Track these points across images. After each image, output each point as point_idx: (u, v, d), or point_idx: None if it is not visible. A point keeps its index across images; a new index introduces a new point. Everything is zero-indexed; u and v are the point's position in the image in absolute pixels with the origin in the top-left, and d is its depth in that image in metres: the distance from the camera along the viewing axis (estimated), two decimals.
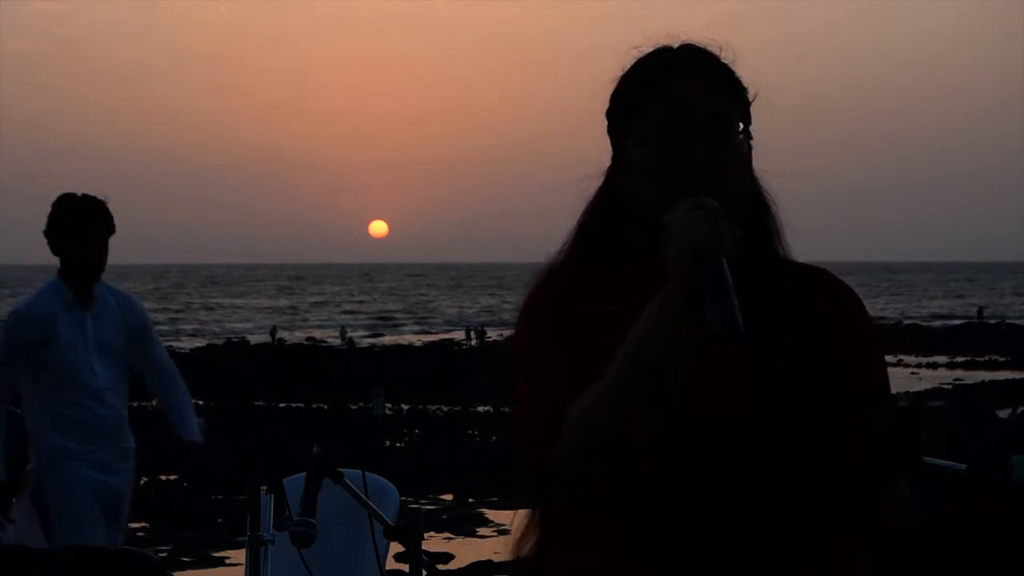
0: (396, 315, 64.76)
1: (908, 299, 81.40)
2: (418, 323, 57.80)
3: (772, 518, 2.22)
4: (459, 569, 10.29)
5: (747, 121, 2.34)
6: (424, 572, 4.42)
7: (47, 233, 5.92)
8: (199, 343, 39.92)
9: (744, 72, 2.36)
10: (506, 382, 2.34)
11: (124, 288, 6.32)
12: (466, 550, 11.02)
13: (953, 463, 4.66)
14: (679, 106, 2.28)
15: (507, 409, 2.32)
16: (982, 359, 32.20)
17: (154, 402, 6.30)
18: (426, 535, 5.89)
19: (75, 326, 5.84)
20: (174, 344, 37.45)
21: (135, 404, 6.74)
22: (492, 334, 36.92)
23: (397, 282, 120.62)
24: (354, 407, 21.59)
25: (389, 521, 4.41)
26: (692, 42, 2.36)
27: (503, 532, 11.41)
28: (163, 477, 14.12)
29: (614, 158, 2.38)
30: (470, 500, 13.31)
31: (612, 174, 2.38)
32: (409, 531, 4.36)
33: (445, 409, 21.64)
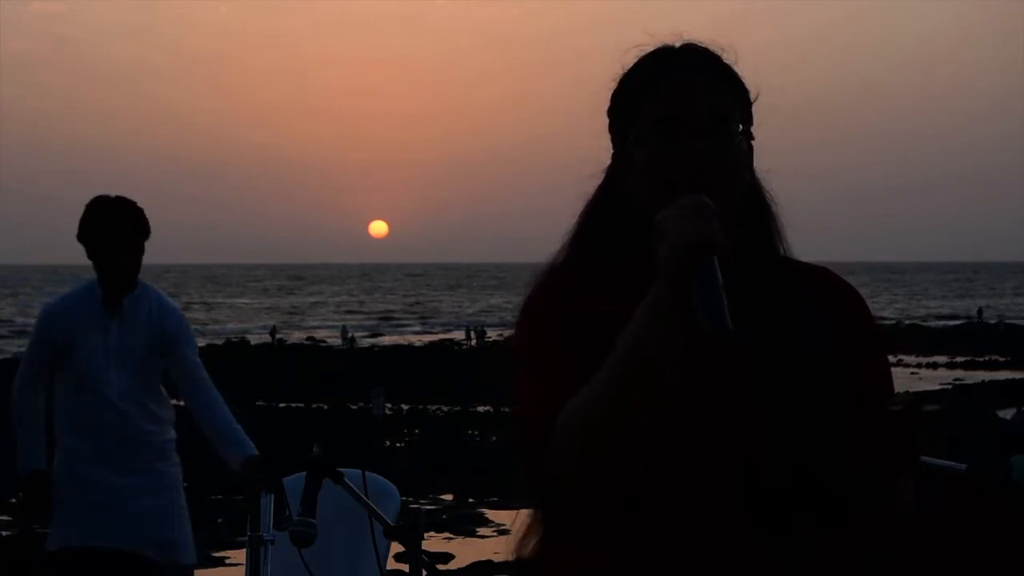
0: (396, 315, 64.77)
1: (908, 299, 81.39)
2: (418, 323, 57.82)
3: (772, 518, 2.21)
4: (459, 569, 10.29)
5: (748, 121, 2.34)
6: (424, 572, 4.42)
7: (79, 237, 5.74)
8: (199, 343, 39.83)
9: (744, 72, 2.36)
10: (506, 382, 2.34)
11: None
12: (466, 550, 11.03)
13: (953, 463, 4.65)
14: (680, 105, 2.28)
15: (507, 409, 2.32)
16: (982, 359, 32.22)
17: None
18: (426, 535, 5.88)
19: (98, 331, 5.68)
20: None
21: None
22: (492, 334, 36.92)
23: (397, 282, 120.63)
24: (354, 407, 21.60)
25: (390, 521, 4.42)
26: (694, 41, 2.36)
27: (503, 532, 11.41)
28: None
29: (614, 157, 2.37)
30: (470, 500, 13.31)
31: (612, 173, 2.38)
32: (409, 531, 4.36)
33: (445, 409, 21.65)
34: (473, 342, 36.93)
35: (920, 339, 37.66)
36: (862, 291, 2.42)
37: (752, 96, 2.35)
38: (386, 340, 43.18)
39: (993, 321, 47.47)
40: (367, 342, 40.60)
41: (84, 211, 5.76)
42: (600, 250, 2.37)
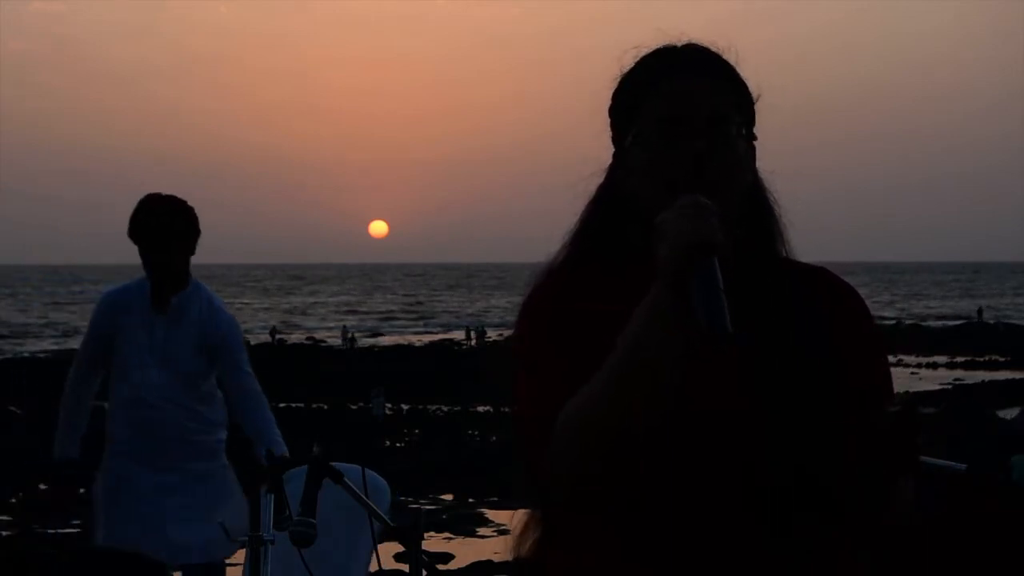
0: (396, 315, 64.76)
1: (908, 299, 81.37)
2: (418, 323, 57.80)
3: (772, 518, 2.21)
4: (459, 569, 10.28)
5: (750, 122, 2.34)
6: (424, 572, 4.42)
7: (129, 234, 5.71)
8: None
9: (745, 72, 2.36)
10: (506, 382, 2.34)
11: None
12: (466, 550, 11.02)
13: (953, 463, 4.65)
14: (682, 105, 2.28)
15: (507, 409, 2.31)
16: (982, 359, 32.21)
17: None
18: (426, 535, 5.88)
19: (144, 327, 5.69)
20: None
21: None
22: (492, 334, 36.93)
23: (397, 282, 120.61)
24: (354, 407, 21.60)
25: (388, 519, 4.41)
26: (696, 41, 2.36)
27: (503, 532, 11.40)
28: None
29: (615, 156, 2.37)
30: (470, 500, 13.31)
31: (613, 172, 2.37)
32: (409, 531, 4.36)
33: (445, 409, 21.64)
34: (473, 342, 36.93)
35: (920, 339, 37.65)
36: (862, 291, 2.42)
37: (754, 97, 2.35)
38: (386, 340, 43.16)
39: (993, 321, 47.47)
40: (367, 342, 40.60)
41: (135, 208, 5.74)
42: (601, 249, 2.36)
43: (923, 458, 2.45)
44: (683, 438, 2.21)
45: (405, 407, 21.67)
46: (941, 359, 32.63)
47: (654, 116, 2.29)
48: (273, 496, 4.44)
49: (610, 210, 2.37)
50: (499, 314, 57.49)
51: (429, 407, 21.79)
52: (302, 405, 22.17)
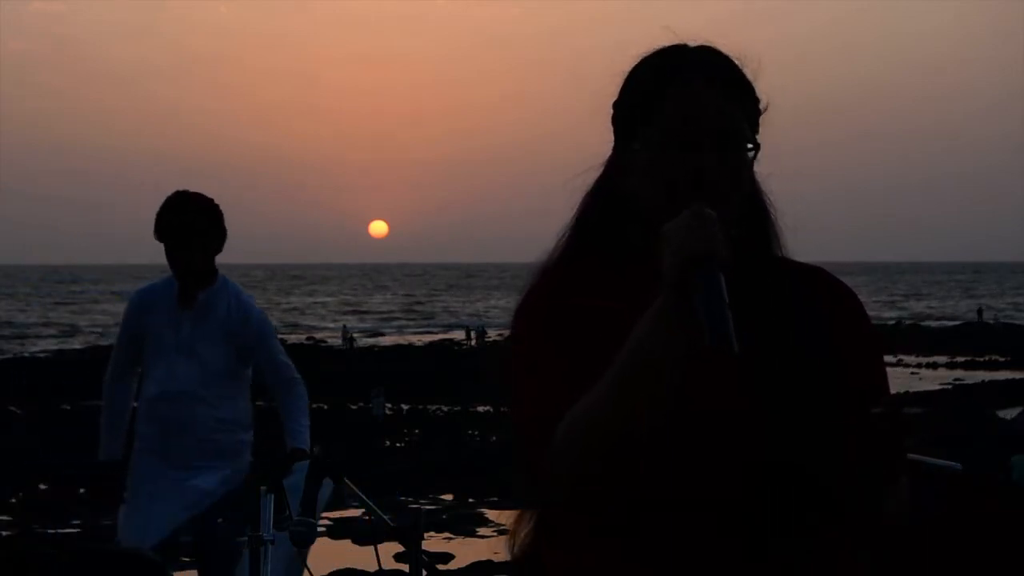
0: (396, 315, 64.75)
1: (908, 299, 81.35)
2: (418, 323, 57.79)
3: (772, 518, 2.21)
4: (459, 569, 10.28)
5: (755, 130, 2.31)
6: (424, 572, 4.42)
7: (154, 232, 5.71)
8: None
9: (749, 74, 2.33)
10: (506, 382, 2.33)
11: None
12: (466, 550, 11.02)
13: (953, 463, 4.65)
14: (689, 114, 2.25)
15: (507, 409, 2.31)
16: (982, 359, 32.19)
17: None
18: (426, 535, 5.88)
19: (170, 324, 5.70)
20: None
21: None
22: (492, 334, 36.89)
23: (397, 282, 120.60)
24: (354, 407, 21.59)
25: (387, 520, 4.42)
26: (709, 44, 2.33)
27: (503, 532, 11.30)
28: None
29: (615, 151, 2.36)
30: (470, 500, 13.30)
31: (612, 168, 2.36)
32: (409, 531, 4.36)
33: (445, 409, 21.64)
34: (473, 342, 36.92)
35: (920, 339, 37.65)
36: (862, 291, 2.42)
37: (763, 106, 2.32)
38: (386, 340, 43.16)
39: (992, 321, 47.46)
40: (367, 342, 40.58)
41: (161, 206, 5.73)
42: (598, 243, 2.35)
43: (923, 458, 2.44)
44: (683, 438, 2.20)
45: (405, 407, 21.66)
46: (941, 359, 32.61)
47: (661, 123, 2.26)
48: (273, 496, 4.44)
49: (608, 206, 2.35)
50: (499, 314, 57.44)
51: (429, 407, 21.78)
52: None
